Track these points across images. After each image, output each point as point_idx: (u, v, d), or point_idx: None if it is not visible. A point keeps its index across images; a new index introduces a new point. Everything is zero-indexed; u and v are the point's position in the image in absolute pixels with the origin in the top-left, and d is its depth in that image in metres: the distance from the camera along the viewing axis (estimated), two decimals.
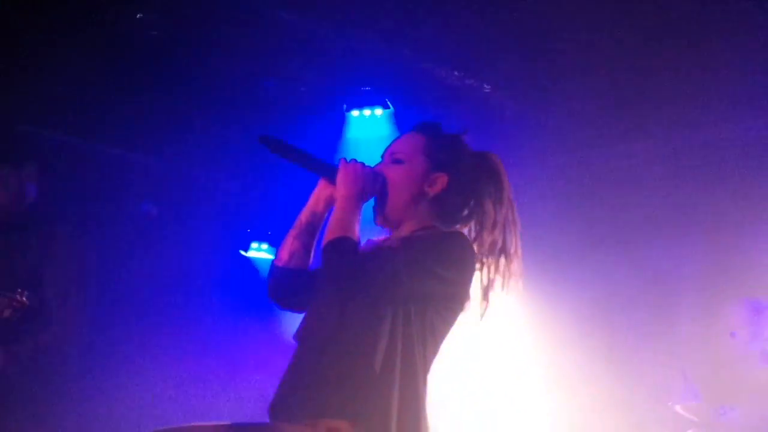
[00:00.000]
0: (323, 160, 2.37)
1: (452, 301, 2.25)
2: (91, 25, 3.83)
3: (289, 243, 2.40)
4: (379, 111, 4.95)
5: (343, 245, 2.16)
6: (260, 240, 5.63)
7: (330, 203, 2.37)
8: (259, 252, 5.62)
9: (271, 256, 5.06)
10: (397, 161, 2.37)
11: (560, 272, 5.73)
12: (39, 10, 3.74)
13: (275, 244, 4.87)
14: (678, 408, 4.15)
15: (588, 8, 3.88)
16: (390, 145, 2.44)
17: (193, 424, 2.10)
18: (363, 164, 2.33)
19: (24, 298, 3.24)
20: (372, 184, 2.31)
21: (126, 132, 4.82)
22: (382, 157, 2.42)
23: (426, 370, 2.19)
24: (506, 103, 5.01)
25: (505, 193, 2.38)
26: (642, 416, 5.37)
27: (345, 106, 5.02)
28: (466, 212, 2.39)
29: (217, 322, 5.32)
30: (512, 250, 2.34)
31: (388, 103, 4.91)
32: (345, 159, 2.34)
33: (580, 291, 5.80)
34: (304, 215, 2.41)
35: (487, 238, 2.32)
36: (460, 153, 2.41)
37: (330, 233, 2.20)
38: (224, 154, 5.12)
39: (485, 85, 4.79)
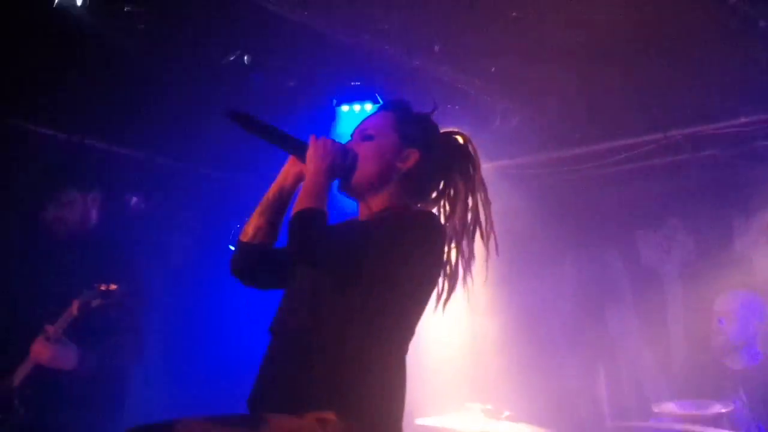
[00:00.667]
0: (293, 137, 2.33)
1: (424, 282, 2.23)
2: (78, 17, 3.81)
3: (255, 218, 2.37)
4: (368, 106, 4.94)
5: (311, 216, 2.12)
6: None
7: (299, 180, 2.34)
8: None
9: None
10: (368, 137, 2.34)
11: (549, 264, 5.75)
12: (28, 6, 3.72)
13: None
14: (670, 407, 4.15)
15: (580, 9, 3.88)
16: (360, 123, 2.42)
17: (182, 418, 2.07)
18: (333, 140, 2.30)
19: (110, 288, 3.53)
20: (342, 159, 2.28)
21: (113, 126, 4.79)
22: (352, 135, 2.40)
23: (403, 353, 2.19)
24: (497, 100, 5.01)
25: (477, 173, 2.37)
26: (630, 408, 5.40)
27: (335, 101, 5.01)
28: (436, 190, 2.37)
29: (209, 316, 5.30)
30: (485, 230, 2.33)
31: (378, 98, 4.90)
32: (315, 135, 2.31)
33: (569, 283, 5.82)
34: (271, 191, 2.38)
35: (459, 218, 2.30)
36: (431, 130, 2.39)
37: (297, 205, 2.16)
38: (212, 149, 5.10)
39: (476, 81, 4.79)
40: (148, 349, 4.81)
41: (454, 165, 2.37)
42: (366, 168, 2.30)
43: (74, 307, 3.55)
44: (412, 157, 2.31)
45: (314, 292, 2.17)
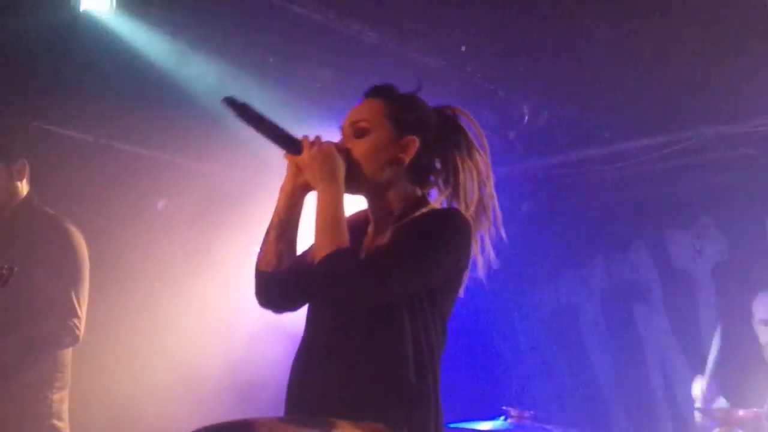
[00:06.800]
0: (287, 133, 2.17)
1: (457, 282, 2.16)
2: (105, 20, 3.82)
3: (272, 245, 2.20)
4: None
5: (341, 261, 1.99)
6: None
7: (306, 189, 2.19)
8: None
9: None
10: (362, 131, 2.20)
11: (578, 265, 5.70)
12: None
13: None
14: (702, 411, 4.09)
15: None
16: (348, 115, 2.26)
17: (256, 417, 2.01)
18: (329, 143, 2.16)
19: (3, 270, 2.97)
20: (346, 161, 2.14)
21: (144, 130, 4.81)
22: (342, 129, 2.26)
23: (440, 357, 2.13)
24: (524, 100, 4.97)
25: (473, 144, 2.24)
26: (661, 410, 5.33)
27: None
28: (442, 172, 2.24)
29: (238, 318, 5.30)
30: (489, 202, 2.22)
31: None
32: (308, 138, 2.16)
33: (598, 283, 5.77)
34: (283, 212, 2.20)
35: (464, 195, 2.20)
36: (423, 111, 2.26)
37: (321, 246, 2.02)
38: (246, 152, 5.10)
39: (503, 80, 4.75)
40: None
41: (452, 141, 2.25)
42: (369, 171, 2.17)
43: None
44: (412, 145, 2.18)
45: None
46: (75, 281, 3.54)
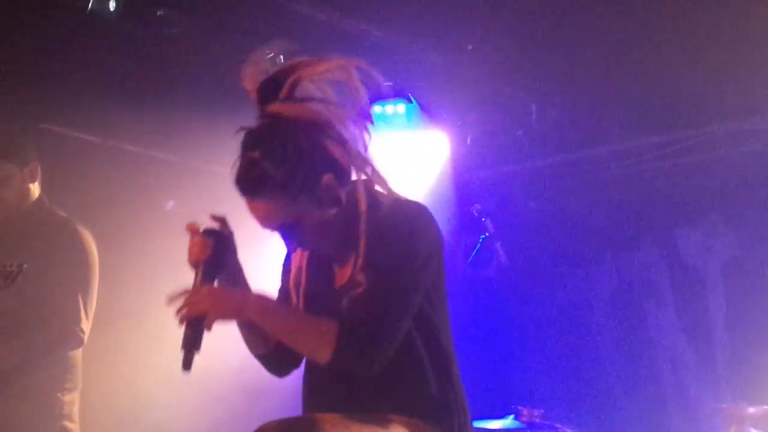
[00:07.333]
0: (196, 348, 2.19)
1: (443, 270, 2.11)
2: (111, 21, 3.84)
3: (252, 336, 2.21)
4: (401, 106, 4.90)
5: (342, 359, 1.94)
6: None
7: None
8: None
9: None
10: (293, 227, 2.04)
11: (588, 263, 5.69)
12: (59, 6, 3.75)
13: None
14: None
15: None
16: (262, 225, 2.08)
17: (319, 414, 2.03)
18: (222, 285, 2.13)
19: (13, 268, 2.93)
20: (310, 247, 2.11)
21: (152, 131, 4.82)
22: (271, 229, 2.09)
23: (454, 350, 2.13)
24: (532, 98, 4.97)
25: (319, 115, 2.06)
26: (672, 410, 5.31)
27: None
28: (351, 160, 2.07)
29: None
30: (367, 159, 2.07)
31: (411, 98, 4.85)
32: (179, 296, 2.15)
33: (608, 282, 5.76)
34: (248, 326, 2.17)
35: (381, 181, 2.08)
36: (296, 147, 2.00)
37: (309, 353, 2.03)
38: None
39: (511, 79, 4.75)
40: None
41: (316, 136, 2.02)
42: (328, 233, 2.07)
43: None
44: (329, 181, 2.01)
45: None
46: (84, 284, 3.52)
